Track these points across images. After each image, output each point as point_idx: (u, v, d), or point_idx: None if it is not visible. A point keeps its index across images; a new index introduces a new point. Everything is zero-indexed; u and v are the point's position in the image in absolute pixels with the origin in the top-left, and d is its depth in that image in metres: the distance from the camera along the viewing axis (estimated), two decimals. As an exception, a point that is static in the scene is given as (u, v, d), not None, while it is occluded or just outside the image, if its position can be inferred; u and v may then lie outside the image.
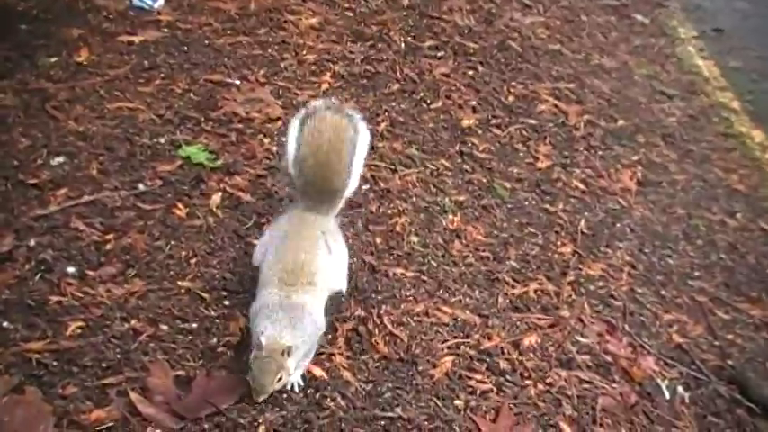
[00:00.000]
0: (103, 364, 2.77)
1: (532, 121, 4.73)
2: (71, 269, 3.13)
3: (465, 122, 4.52)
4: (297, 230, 3.05)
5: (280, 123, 4.11)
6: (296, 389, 2.81)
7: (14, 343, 2.81)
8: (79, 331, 2.89)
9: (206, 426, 2.62)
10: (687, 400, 3.30)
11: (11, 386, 2.66)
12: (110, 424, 2.58)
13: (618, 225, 4.18)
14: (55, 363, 2.76)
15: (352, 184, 3.22)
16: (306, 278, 2.88)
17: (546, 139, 4.62)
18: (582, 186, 4.36)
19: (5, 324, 2.88)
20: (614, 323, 3.52)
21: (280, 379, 2.67)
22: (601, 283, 3.74)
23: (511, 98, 4.88)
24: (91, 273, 3.12)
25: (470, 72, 5.03)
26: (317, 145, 3.11)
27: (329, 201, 3.17)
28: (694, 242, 4.32)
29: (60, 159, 3.64)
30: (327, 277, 2.97)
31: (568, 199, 4.21)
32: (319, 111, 3.17)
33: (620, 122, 5.08)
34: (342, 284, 3.10)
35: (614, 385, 3.22)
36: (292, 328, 2.72)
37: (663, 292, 3.85)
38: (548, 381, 3.14)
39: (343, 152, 3.13)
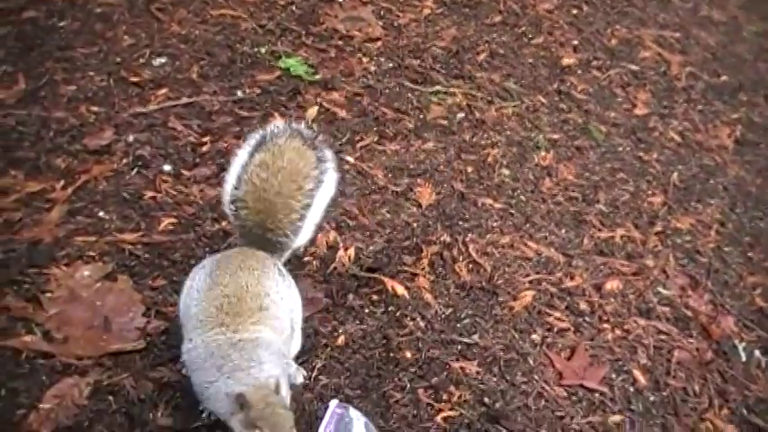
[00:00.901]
0: (192, 261, 2.84)
1: (634, 67, 4.60)
2: (167, 167, 3.20)
3: (565, 61, 4.43)
4: (237, 257, 2.37)
5: (379, 44, 4.10)
6: None
7: (109, 232, 2.91)
8: (171, 227, 2.97)
9: (288, 329, 2.67)
10: (763, 365, 3.24)
11: (104, 273, 2.76)
12: (195, 318, 2.65)
13: (711, 181, 4.06)
14: (146, 255, 2.85)
15: (303, 237, 2.59)
16: (254, 303, 2.24)
17: (646, 87, 4.50)
18: (678, 138, 4.24)
19: (101, 214, 2.98)
20: (698, 279, 3.46)
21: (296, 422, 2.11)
22: (688, 238, 3.66)
23: (614, 41, 4.75)
24: (186, 172, 3.19)
25: (574, 11, 4.90)
26: (264, 181, 2.46)
27: (272, 249, 2.51)
28: (788, 209, 4.20)
29: (162, 60, 3.70)
30: (285, 303, 2.36)
31: (663, 149, 4.11)
32: (278, 136, 2.51)
33: (724, 78, 4.90)
34: (295, 342, 2.49)
35: (691, 340, 3.17)
36: (259, 366, 2.14)
37: (750, 254, 3.75)
38: (625, 327, 3.12)
39: (297, 195, 2.48)
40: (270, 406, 2.03)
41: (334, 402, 2.42)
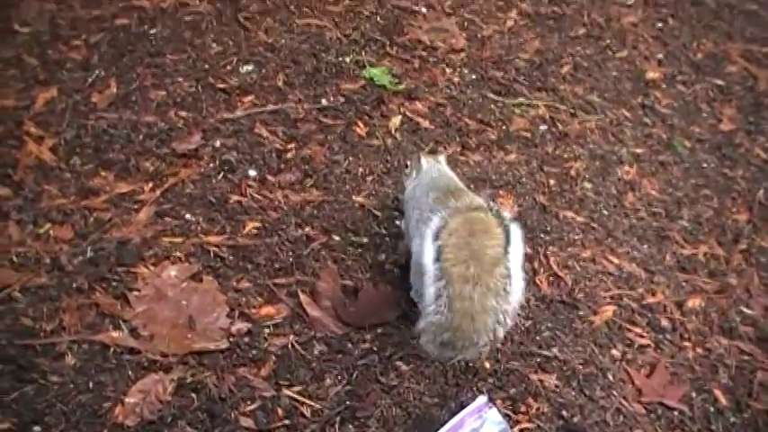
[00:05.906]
0: (276, 265, 2.90)
1: (719, 82, 4.52)
2: (252, 172, 3.27)
3: (650, 75, 4.38)
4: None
5: (463, 55, 4.11)
6: None
7: (195, 234, 2.98)
8: (255, 231, 3.03)
9: (368, 336, 2.72)
10: None
11: (190, 273, 2.83)
12: (278, 320, 2.71)
13: (798, 201, 3.97)
14: (231, 257, 2.91)
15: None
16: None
17: (732, 102, 4.41)
18: (764, 155, 4.14)
19: (188, 216, 3.05)
20: (782, 299, 3.38)
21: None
22: (773, 257, 3.59)
23: (699, 55, 4.66)
24: (271, 178, 3.25)
25: (659, 24, 4.84)
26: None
27: None
28: None
29: (249, 68, 3.78)
30: None
31: (749, 166, 4.02)
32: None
33: (814, 94, 4.79)
34: None
35: (775, 362, 3.10)
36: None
37: (838, 277, 3.65)
38: (707, 346, 3.06)
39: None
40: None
41: (482, 398, 2.49)
